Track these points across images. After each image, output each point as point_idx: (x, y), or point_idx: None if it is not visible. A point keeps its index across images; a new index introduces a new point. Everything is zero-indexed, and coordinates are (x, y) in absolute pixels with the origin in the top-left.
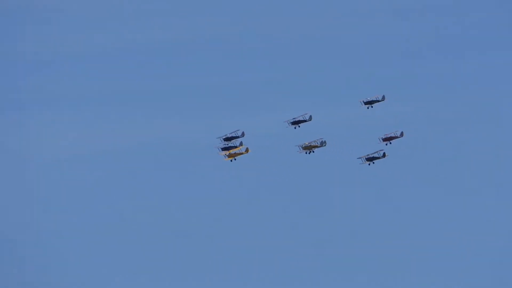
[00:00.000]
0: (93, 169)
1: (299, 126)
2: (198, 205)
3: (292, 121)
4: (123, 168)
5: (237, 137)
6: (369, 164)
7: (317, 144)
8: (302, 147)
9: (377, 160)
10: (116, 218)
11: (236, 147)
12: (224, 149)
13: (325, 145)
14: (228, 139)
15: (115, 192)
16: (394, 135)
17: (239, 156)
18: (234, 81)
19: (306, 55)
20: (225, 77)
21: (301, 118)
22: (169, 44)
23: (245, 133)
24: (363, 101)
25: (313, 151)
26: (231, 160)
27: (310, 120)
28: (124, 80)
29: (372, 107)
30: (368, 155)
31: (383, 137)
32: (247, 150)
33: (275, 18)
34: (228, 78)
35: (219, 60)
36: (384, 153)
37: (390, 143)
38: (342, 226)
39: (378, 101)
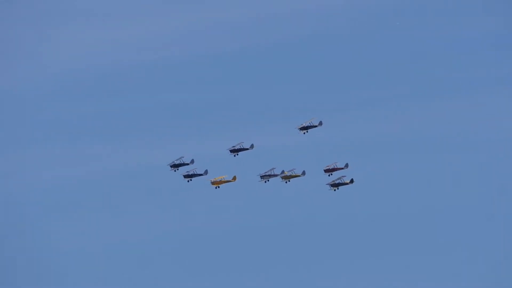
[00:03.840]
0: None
1: (237, 154)
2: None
3: (231, 149)
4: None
5: (186, 163)
6: (334, 190)
7: (297, 174)
8: (280, 177)
9: (343, 186)
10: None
11: (199, 174)
12: (186, 176)
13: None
14: (175, 165)
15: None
16: (335, 167)
17: (224, 183)
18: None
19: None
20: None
21: (239, 147)
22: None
23: (194, 160)
24: (298, 128)
25: (289, 181)
26: (215, 187)
27: (252, 148)
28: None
29: (307, 132)
30: (333, 181)
31: (325, 169)
32: (234, 178)
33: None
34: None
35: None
36: (352, 179)
37: (332, 174)
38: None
39: (314, 126)
